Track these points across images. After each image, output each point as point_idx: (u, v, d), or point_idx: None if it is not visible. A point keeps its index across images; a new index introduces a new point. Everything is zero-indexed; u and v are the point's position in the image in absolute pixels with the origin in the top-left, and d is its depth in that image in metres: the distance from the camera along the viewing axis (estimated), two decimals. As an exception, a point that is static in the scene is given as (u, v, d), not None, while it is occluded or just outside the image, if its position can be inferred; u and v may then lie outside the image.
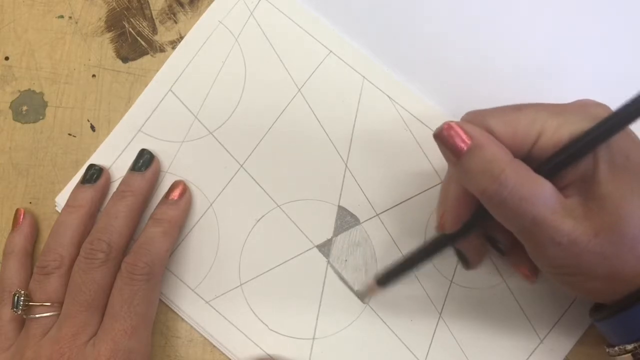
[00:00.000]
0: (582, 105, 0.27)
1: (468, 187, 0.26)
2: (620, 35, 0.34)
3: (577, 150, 0.25)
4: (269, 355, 0.33)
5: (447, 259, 0.33)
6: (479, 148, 0.25)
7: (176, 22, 0.37)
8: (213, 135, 0.35)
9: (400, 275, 0.31)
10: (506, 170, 0.24)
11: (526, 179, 0.24)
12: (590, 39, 0.34)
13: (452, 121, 0.26)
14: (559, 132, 0.25)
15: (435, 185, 0.34)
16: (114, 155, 0.36)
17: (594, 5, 0.35)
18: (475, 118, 0.27)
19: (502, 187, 0.24)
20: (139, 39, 0.37)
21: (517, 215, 0.25)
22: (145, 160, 0.34)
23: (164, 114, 0.36)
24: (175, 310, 0.34)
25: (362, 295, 0.33)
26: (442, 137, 0.26)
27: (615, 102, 0.25)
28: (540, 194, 0.24)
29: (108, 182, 0.35)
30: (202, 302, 0.34)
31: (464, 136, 0.25)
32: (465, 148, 0.25)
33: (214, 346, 0.34)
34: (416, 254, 0.30)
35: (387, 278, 0.31)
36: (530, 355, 0.32)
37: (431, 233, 0.34)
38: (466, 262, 0.31)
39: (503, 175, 0.24)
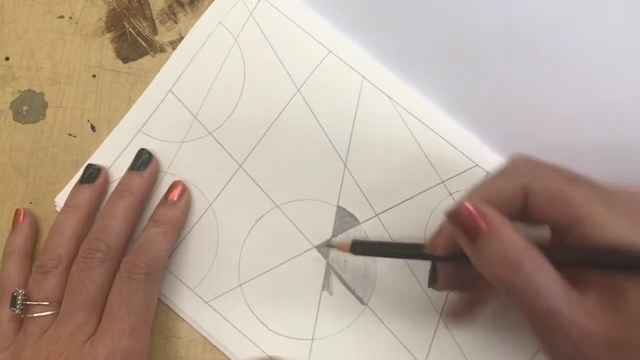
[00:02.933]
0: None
1: (480, 270, 0.25)
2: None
3: (620, 263, 0.23)
4: (268, 355, 0.33)
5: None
6: (496, 234, 0.24)
7: (176, 23, 0.37)
8: (212, 136, 0.35)
9: (373, 254, 0.32)
10: (523, 259, 0.23)
11: (543, 271, 0.23)
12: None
13: (469, 201, 0.24)
14: (605, 231, 0.23)
15: (435, 185, 0.34)
16: (114, 155, 0.36)
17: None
18: (520, 170, 0.26)
19: (517, 276, 0.23)
20: (139, 39, 0.37)
21: (531, 303, 0.24)
22: (143, 160, 0.34)
23: (164, 114, 0.36)
24: (175, 311, 0.34)
25: (330, 246, 0.34)
26: (457, 219, 0.24)
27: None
28: (556, 287, 0.23)
29: (106, 182, 0.35)
30: (201, 302, 0.34)
31: (481, 221, 0.24)
32: (481, 233, 0.24)
33: (214, 346, 0.34)
34: (398, 247, 0.30)
35: (361, 250, 0.31)
36: (532, 357, 0.32)
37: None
38: (435, 281, 0.29)
39: (520, 264, 0.23)
